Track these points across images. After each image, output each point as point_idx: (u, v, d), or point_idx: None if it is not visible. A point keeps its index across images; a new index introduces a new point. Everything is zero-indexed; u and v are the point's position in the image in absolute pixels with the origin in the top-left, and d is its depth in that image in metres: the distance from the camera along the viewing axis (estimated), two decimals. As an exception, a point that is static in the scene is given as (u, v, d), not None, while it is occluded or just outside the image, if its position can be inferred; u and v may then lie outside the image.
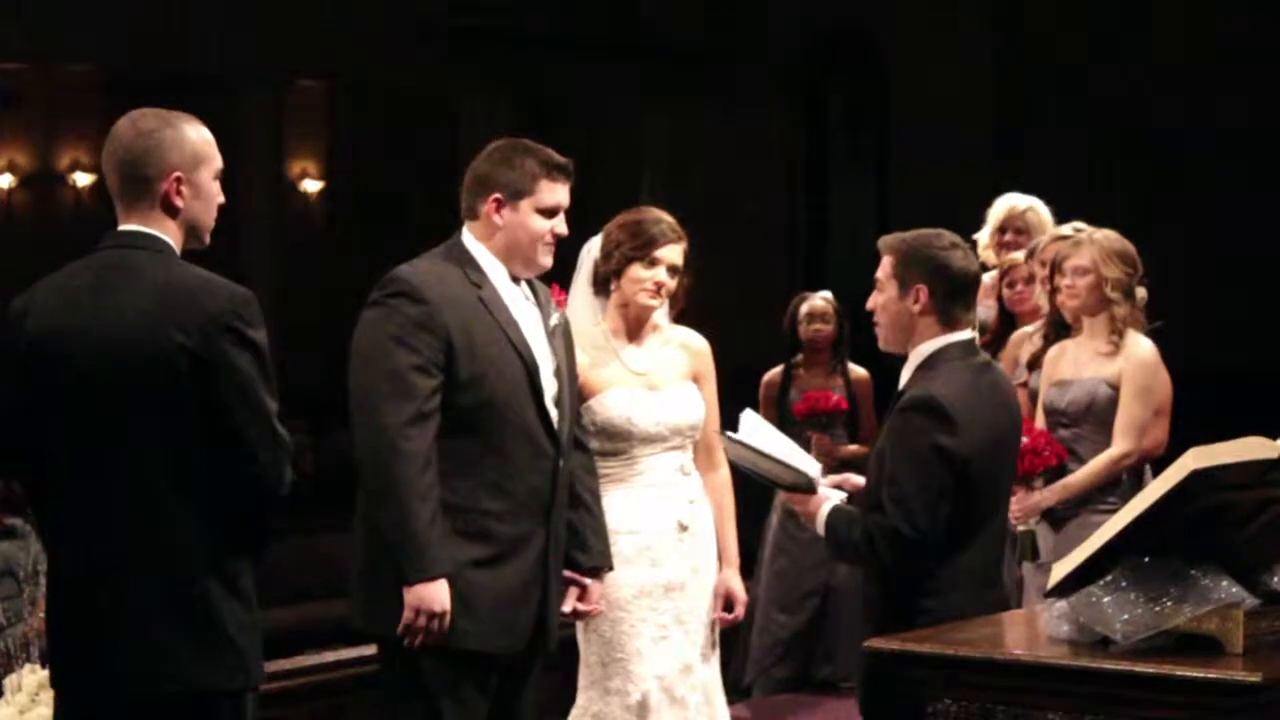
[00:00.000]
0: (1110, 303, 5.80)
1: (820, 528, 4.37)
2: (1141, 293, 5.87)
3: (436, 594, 4.24)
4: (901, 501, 4.18)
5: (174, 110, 3.78)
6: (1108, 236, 5.89)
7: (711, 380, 5.25)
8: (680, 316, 5.33)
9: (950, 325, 4.33)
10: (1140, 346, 5.80)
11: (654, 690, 5.04)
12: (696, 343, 5.26)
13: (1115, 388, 5.78)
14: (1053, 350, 6.02)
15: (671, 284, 5.11)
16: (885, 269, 4.38)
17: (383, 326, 4.32)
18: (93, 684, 3.67)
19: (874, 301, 4.41)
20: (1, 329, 3.77)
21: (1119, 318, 5.80)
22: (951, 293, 4.32)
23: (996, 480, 4.32)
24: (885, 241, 4.42)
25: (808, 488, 4.41)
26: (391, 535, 4.25)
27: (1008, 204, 7.04)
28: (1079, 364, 5.88)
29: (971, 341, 4.40)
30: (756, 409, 7.96)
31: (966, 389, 4.25)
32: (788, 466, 4.42)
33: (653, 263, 5.07)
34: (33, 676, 5.07)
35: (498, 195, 4.47)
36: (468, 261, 4.47)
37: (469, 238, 4.50)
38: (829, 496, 4.40)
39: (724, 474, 5.29)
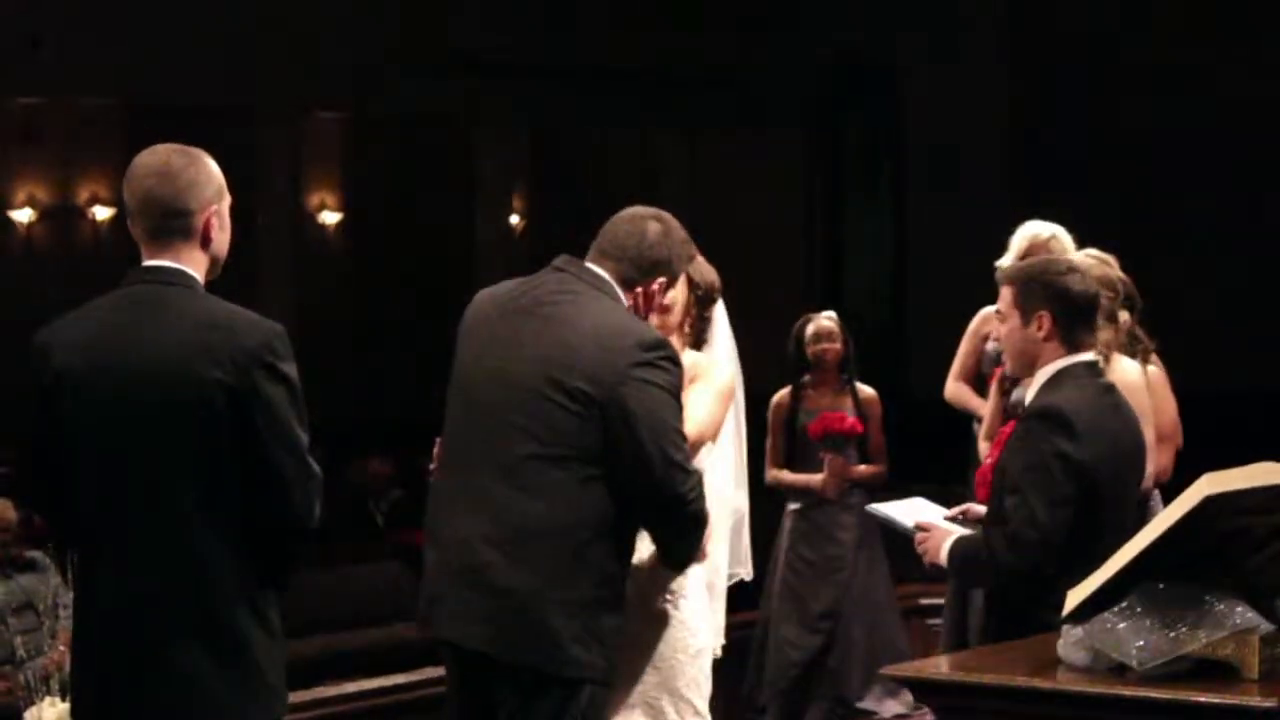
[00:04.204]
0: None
1: (944, 560, 4.42)
2: (1124, 316, 5.83)
3: None
4: (1023, 505, 4.21)
5: (188, 145, 3.82)
6: (1085, 264, 5.87)
7: (700, 384, 4.95)
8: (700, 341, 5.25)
9: (1074, 347, 4.40)
10: (1126, 370, 5.75)
11: None
12: (694, 355, 5.08)
13: None
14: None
15: (662, 300, 5.00)
16: (1006, 300, 4.46)
17: (667, 386, 4.29)
18: (122, 715, 3.68)
19: (998, 332, 4.51)
20: (24, 363, 3.79)
21: (1103, 343, 5.78)
22: (1073, 316, 4.39)
23: (1120, 499, 4.33)
24: (1005, 272, 4.54)
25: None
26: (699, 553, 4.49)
27: (1030, 232, 7.00)
28: None
29: (1096, 363, 4.47)
30: (764, 432, 8.04)
31: (1090, 402, 4.31)
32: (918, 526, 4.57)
33: None
34: (53, 710, 5.09)
35: (666, 279, 4.51)
36: None
37: (622, 297, 4.45)
38: (952, 530, 4.46)
39: None
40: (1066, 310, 4.39)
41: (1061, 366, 4.38)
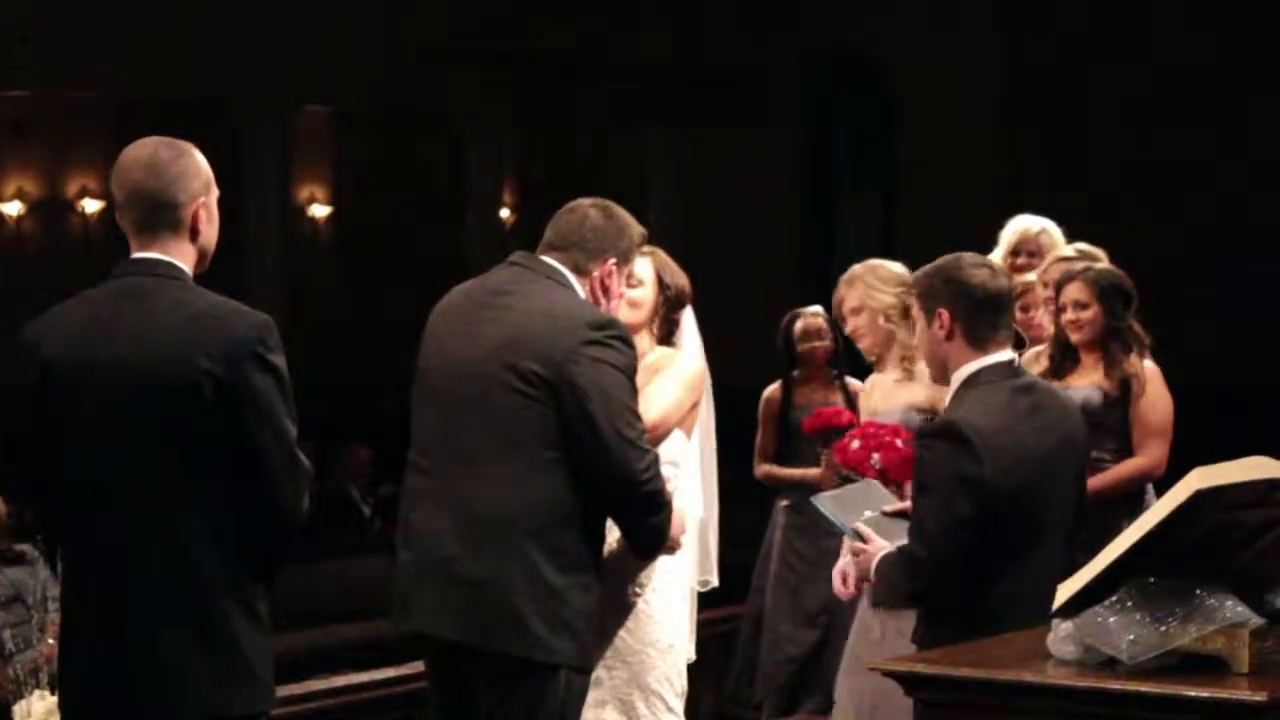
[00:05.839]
0: (892, 332, 5.81)
1: (873, 578, 4.36)
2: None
3: None
4: (918, 527, 4.17)
5: (176, 138, 3.82)
6: (870, 267, 5.90)
7: (664, 373, 4.97)
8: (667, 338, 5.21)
9: (981, 346, 4.25)
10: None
11: None
12: (661, 350, 5.06)
13: (924, 411, 5.72)
14: (866, 384, 6.13)
15: (633, 295, 4.96)
16: (915, 305, 4.35)
17: (619, 365, 4.30)
18: (112, 711, 3.67)
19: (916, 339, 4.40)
20: (14, 356, 3.78)
21: (906, 344, 5.78)
22: (974, 312, 4.25)
23: (1039, 503, 4.22)
24: (912, 278, 4.39)
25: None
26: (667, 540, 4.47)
27: (1020, 226, 7.00)
28: (889, 395, 5.89)
29: (1010, 362, 4.30)
30: (754, 428, 8.03)
31: (997, 412, 4.19)
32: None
33: None
34: (41, 703, 5.08)
35: (615, 259, 4.52)
36: None
37: (576, 285, 4.47)
38: (883, 546, 4.37)
39: None
40: (967, 307, 4.23)
41: (974, 370, 4.25)
